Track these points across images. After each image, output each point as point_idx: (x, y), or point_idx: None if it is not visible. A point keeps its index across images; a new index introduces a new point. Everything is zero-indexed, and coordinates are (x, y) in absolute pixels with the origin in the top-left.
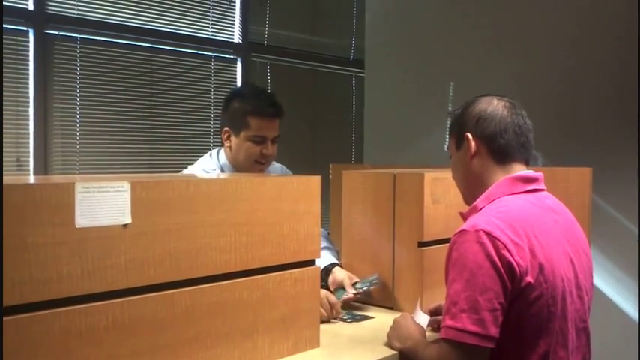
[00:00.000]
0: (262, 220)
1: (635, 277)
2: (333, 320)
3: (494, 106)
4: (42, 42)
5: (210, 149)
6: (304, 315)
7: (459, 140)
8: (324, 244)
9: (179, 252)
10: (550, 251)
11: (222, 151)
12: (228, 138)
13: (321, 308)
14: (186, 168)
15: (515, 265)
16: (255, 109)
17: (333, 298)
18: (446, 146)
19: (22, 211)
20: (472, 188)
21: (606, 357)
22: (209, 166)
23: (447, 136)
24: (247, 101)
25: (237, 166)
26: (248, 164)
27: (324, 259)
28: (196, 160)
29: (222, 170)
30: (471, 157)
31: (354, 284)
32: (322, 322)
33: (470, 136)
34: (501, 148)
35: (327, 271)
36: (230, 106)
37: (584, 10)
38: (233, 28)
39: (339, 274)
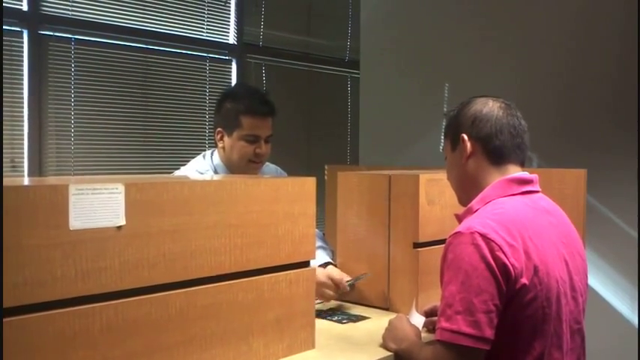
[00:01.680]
0: (257, 222)
1: (629, 279)
2: (327, 319)
3: (490, 107)
4: (36, 42)
5: (205, 150)
6: (299, 317)
7: (454, 141)
8: (319, 243)
9: (173, 254)
10: (545, 253)
11: (215, 152)
12: (222, 138)
13: (326, 290)
14: (178, 169)
15: (510, 267)
16: (248, 107)
17: (335, 274)
18: (441, 147)
19: (15, 213)
20: (467, 189)
21: (602, 358)
22: (202, 166)
23: (443, 138)
24: (240, 101)
25: (231, 166)
26: (242, 164)
27: (318, 258)
28: (189, 162)
29: (215, 171)
30: (467, 157)
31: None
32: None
33: (465, 136)
34: (497, 149)
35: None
36: (223, 106)
37: (582, 11)
38: (228, 28)
39: (332, 272)
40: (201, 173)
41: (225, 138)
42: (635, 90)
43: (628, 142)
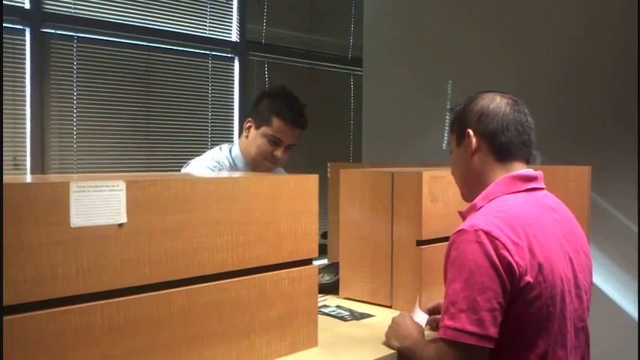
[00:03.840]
0: (259, 219)
1: (634, 276)
2: (329, 317)
3: (497, 102)
4: (38, 41)
5: (207, 148)
6: (302, 314)
7: (459, 136)
8: None
9: (175, 251)
10: (549, 251)
11: (234, 145)
12: (249, 128)
13: None
14: (187, 163)
15: (514, 264)
16: (282, 111)
17: None
18: (444, 144)
19: (16, 211)
20: (471, 185)
21: (605, 356)
22: (219, 157)
23: (446, 134)
24: (278, 102)
25: (248, 158)
26: (257, 159)
27: None
28: (194, 158)
29: (233, 162)
30: (472, 153)
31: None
32: None
33: (471, 132)
34: (502, 146)
35: None
36: (261, 101)
37: (583, 9)
38: (231, 26)
39: None
40: (219, 162)
41: (252, 129)
42: (636, 88)
43: (632, 140)
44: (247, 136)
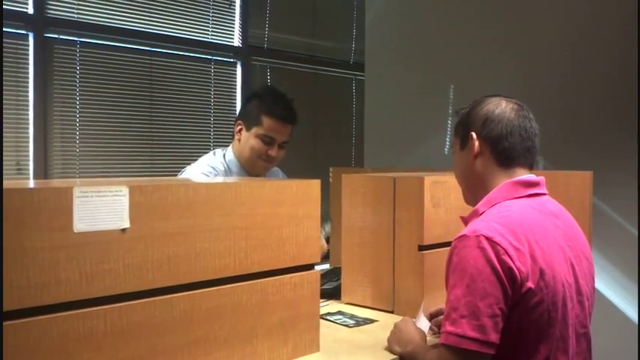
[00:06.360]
0: (261, 225)
1: (636, 280)
2: (331, 322)
3: (502, 107)
4: (42, 46)
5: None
6: (304, 319)
7: (463, 139)
8: None
9: (178, 256)
10: (551, 256)
11: (228, 150)
12: (240, 131)
13: None
14: (182, 170)
15: (515, 270)
16: (271, 109)
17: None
18: (446, 149)
19: (20, 216)
20: (473, 188)
21: None
22: (213, 162)
23: (448, 139)
24: (266, 101)
25: (243, 160)
26: (252, 160)
27: None
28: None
29: (228, 167)
30: (474, 157)
31: None
32: None
33: (474, 135)
34: (505, 151)
35: None
36: (249, 102)
37: (584, 13)
38: (233, 31)
39: None
40: (214, 168)
41: (243, 132)
42: (637, 92)
43: (633, 144)
44: (239, 140)
